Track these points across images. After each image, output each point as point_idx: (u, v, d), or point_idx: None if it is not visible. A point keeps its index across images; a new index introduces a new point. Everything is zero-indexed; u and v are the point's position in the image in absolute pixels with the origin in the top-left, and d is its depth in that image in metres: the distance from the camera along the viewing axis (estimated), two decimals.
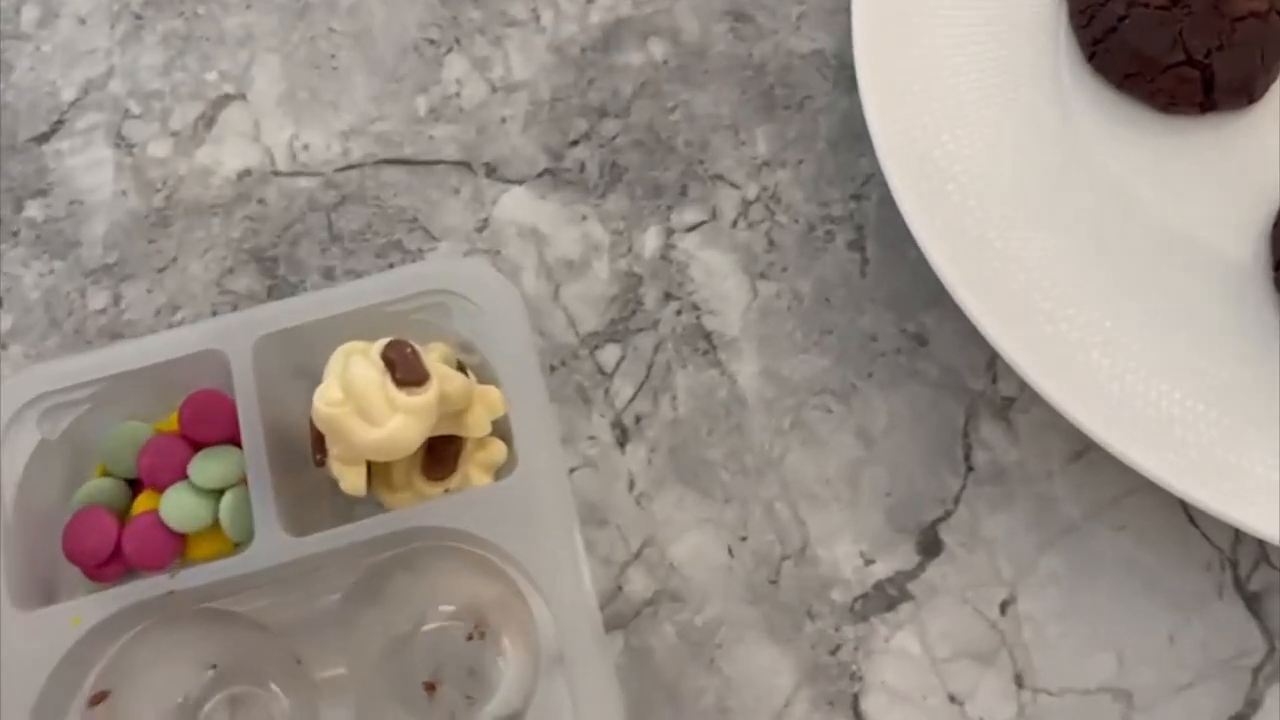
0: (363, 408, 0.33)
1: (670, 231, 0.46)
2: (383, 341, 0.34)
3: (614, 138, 0.47)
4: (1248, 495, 0.38)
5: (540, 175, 0.47)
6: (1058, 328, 0.40)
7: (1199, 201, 0.43)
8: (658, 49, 0.49)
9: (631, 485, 0.42)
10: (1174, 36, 0.43)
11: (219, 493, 0.37)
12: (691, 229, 0.46)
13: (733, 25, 0.49)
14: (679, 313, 0.44)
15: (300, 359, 0.37)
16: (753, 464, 0.42)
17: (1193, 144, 0.44)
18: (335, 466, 0.35)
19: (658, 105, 0.48)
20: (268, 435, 0.35)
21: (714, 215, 0.46)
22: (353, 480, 0.35)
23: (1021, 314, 0.40)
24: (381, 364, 0.34)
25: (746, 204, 0.46)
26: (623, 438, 0.42)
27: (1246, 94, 0.44)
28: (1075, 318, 0.41)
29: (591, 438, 0.42)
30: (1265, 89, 0.44)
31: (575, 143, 0.47)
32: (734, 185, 0.46)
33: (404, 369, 0.34)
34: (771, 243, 0.45)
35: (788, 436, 0.42)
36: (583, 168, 0.47)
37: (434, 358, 0.36)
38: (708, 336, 0.44)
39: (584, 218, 0.46)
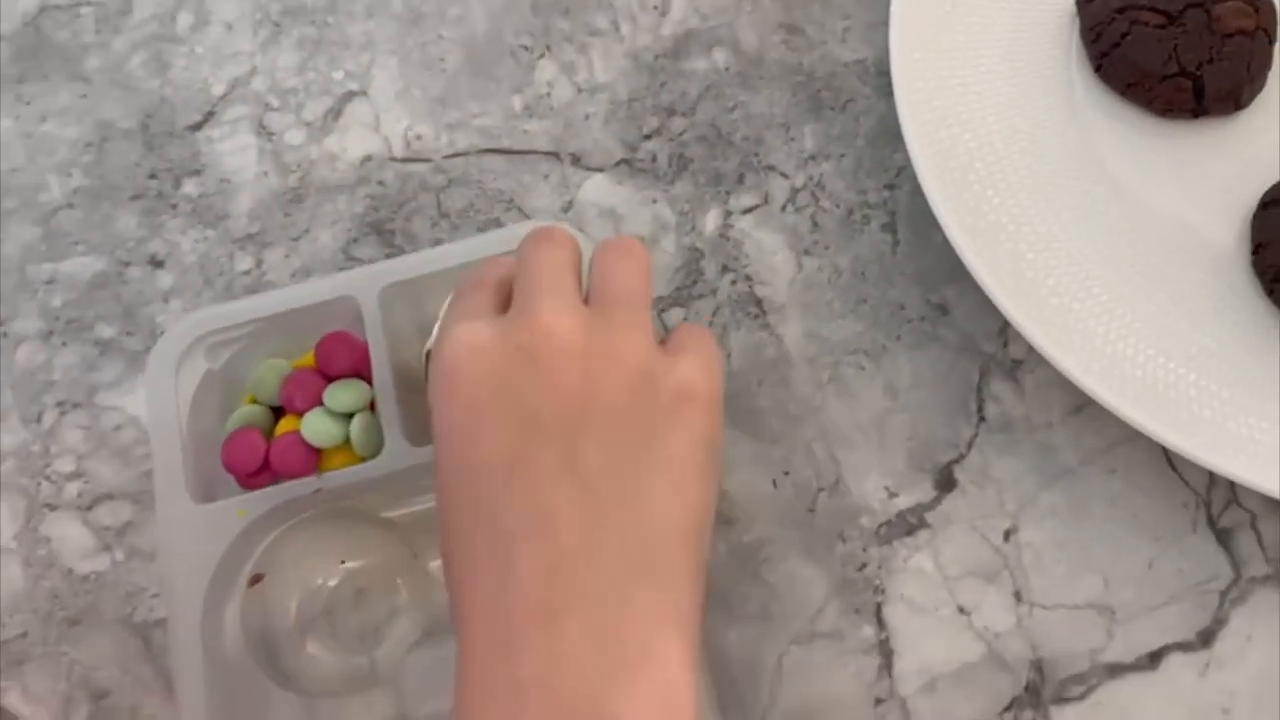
0: None
1: (728, 214, 0.52)
2: None
3: (681, 133, 0.54)
4: (1222, 445, 0.43)
5: (617, 164, 0.53)
6: (1061, 299, 0.46)
7: (1190, 194, 0.49)
8: (720, 57, 0.55)
9: None
10: (1169, 51, 0.48)
11: (349, 416, 0.44)
12: (747, 211, 0.52)
13: (786, 37, 0.55)
14: (734, 283, 0.51)
15: (416, 306, 0.44)
16: (795, 411, 0.48)
17: (1186, 144, 0.50)
18: None
19: (719, 105, 0.54)
20: (391, 368, 0.42)
21: (766, 200, 0.52)
22: None
23: (1029, 289, 0.46)
24: None
25: (795, 191, 0.52)
26: None
27: (1234, 101, 0.49)
28: (1077, 292, 0.46)
29: None
30: (1252, 97, 0.49)
31: (648, 137, 0.54)
32: (784, 175, 0.53)
33: None
34: (815, 224, 0.51)
35: (826, 389, 0.48)
36: (654, 158, 0.53)
37: None
38: (759, 303, 0.50)
39: (654, 201, 0.52)
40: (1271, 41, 0.49)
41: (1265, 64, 0.49)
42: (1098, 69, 0.50)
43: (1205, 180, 0.49)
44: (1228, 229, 0.48)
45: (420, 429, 0.42)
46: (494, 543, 0.32)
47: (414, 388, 0.43)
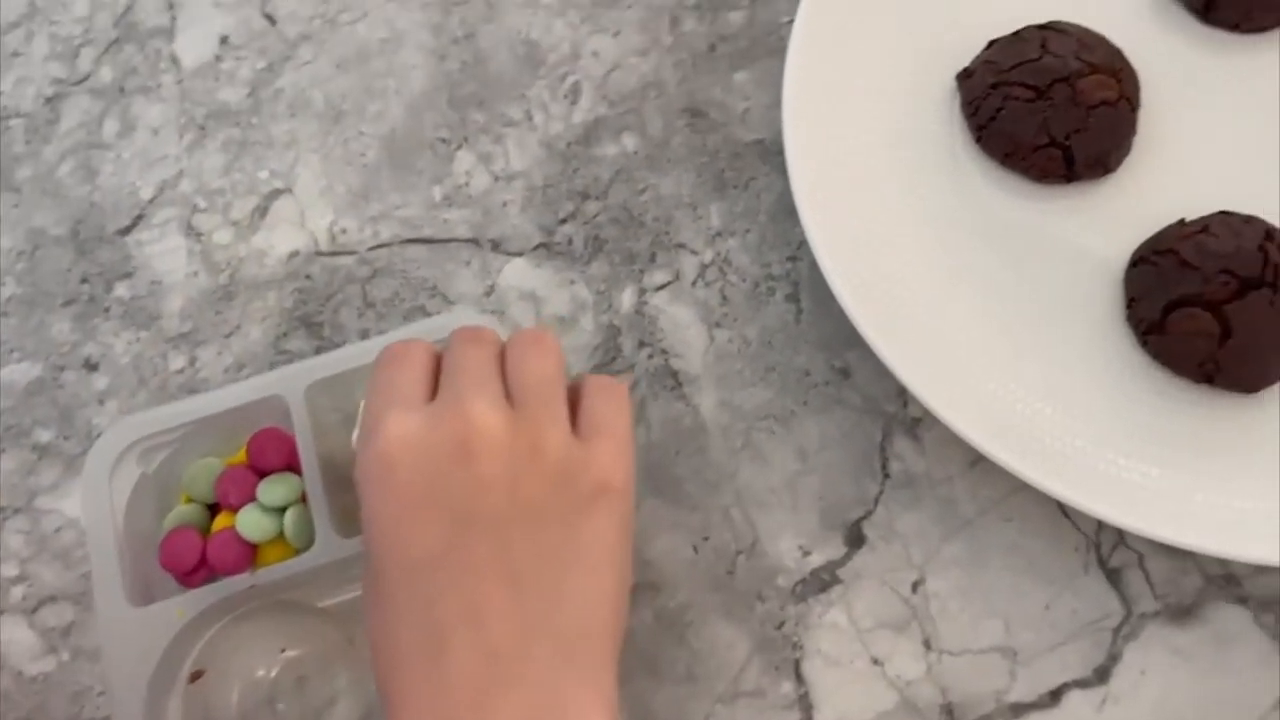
0: None
1: (643, 291, 0.54)
2: None
3: (595, 216, 0.56)
4: (1107, 494, 0.46)
5: (536, 248, 0.56)
6: (953, 360, 0.49)
7: (1069, 254, 0.52)
8: (629, 142, 0.58)
9: None
10: (1040, 123, 0.51)
11: (282, 510, 0.45)
12: (660, 288, 0.54)
13: (690, 121, 0.58)
14: (651, 357, 0.53)
15: (342, 400, 0.45)
16: (713, 478, 0.50)
17: (1063, 208, 0.53)
18: None
19: (630, 188, 0.57)
20: (319, 461, 0.44)
21: (677, 277, 0.55)
22: None
23: (921, 352, 0.49)
24: None
25: (704, 267, 0.55)
26: None
27: (1103, 167, 0.52)
28: (967, 352, 0.49)
29: None
30: (1119, 162, 0.53)
31: (564, 221, 0.56)
32: (693, 252, 0.55)
33: None
34: (724, 298, 0.54)
35: (740, 455, 0.51)
36: (570, 241, 0.56)
37: None
38: (675, 375, 0.52)
39: (572, 282, 0.55)
40: (1134, 109, 0.52)
41: (1130, 130, 0.52)
42: (978, 140, 0.53)
43: (1082, 240, 0.52)
44: (1104, 286, 0.51)
45: (350, 520, 0.44)
46: (427, 632, 0.33)
47: (342, 479, 0.45)
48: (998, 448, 0.46)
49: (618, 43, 0.60)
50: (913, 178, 0.53)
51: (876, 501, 0.49)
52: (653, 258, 0.55)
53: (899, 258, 0.51)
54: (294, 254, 0.56)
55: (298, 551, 0.44)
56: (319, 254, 0.56)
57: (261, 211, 0.57)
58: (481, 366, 0.38)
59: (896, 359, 0.48)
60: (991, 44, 0.54)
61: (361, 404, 0.42)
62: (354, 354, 0.46)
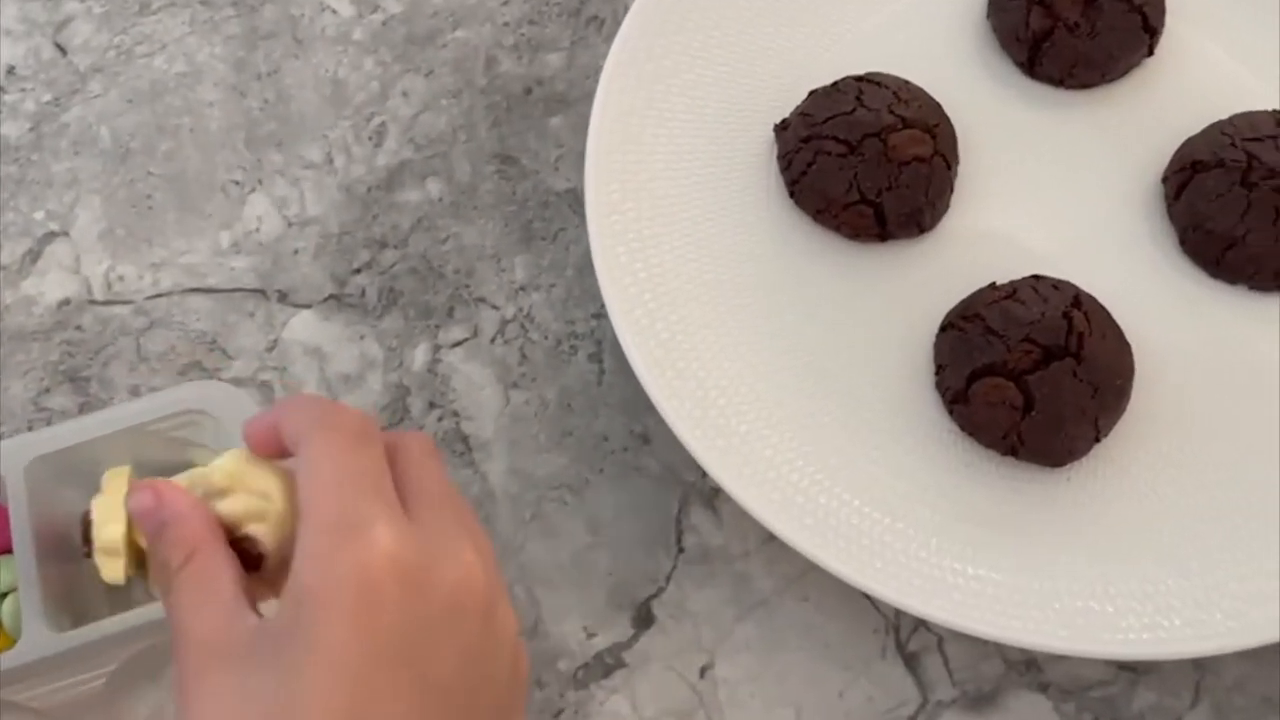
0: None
1: (437, 348, 0.50)
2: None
3: (392, 266, 0.52)
4: (904, 578, 0.43)
5: (325, 300, 0.51)
6: (749, 430, 0.45)
7: (881, 316, 0.49)
8: (434, 187, 0.54)
9: None
10: (850, 179, 0.48)
11: (2, 596, 0.40)
12: (456, 345, 0.50)
13: (500, 167, 0.54)
14: (440, 419, 0.49)
15: (74, 473, 0.41)
16: (498, 552, 0.46)
17: (876, 267, 0.50)
18: (97, 556, 0.38)
19: (432, 237, 0.53)
20: (43, 541, 0.39)
21: (476, 333, 0.51)
22: (111, 570, 0.38)
23: (716, 421, 0.45)
24: None
25: (504, 323, 0.51)
26: None
27: (917, 226, 0.49)
28: (764, 423, 0.46)
29: None
30: (934, 221, 0.50)
31: (358, 271, 0.52)
32: (494, 307, 0.51)
33: None
34: (524, 356, 0.50)
35: (528, 527, 0.47)
36: (363, 293, 0.51)
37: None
38: (465, 440, 0.48)
39: (362, 337, 0.50)
40: (950, 166, 0.49)
41: (945, 187, 0.50)
42: (791, 195, 0.50)
43: (894, 302, 0.49)
44: (915, 350, 0.48)
45: (78, 603, 0.39)
46: None
47: (66, 559, 0.40)
48: (789, 527, 0.43)
49: (429, 83, 0.56)
50: (723, 234, 0.50)
51: (669, 578, 0.46)
52: (450, 312, 0.51)
53: (701, 322, 0.48)
54: (64, 302, 0.51)
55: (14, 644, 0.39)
56: (92, 303, 0.51)
57: (33, 256, 0.52)
58: (452, 495, 0.32)
59: (687, 427, 0.44)
60: (811, 95, 0.51)
61: (112, 476, 0.37)
62: (88, 426, 0.41)
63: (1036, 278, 0.46)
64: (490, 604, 0.30)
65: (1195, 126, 0.50)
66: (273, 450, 0.32)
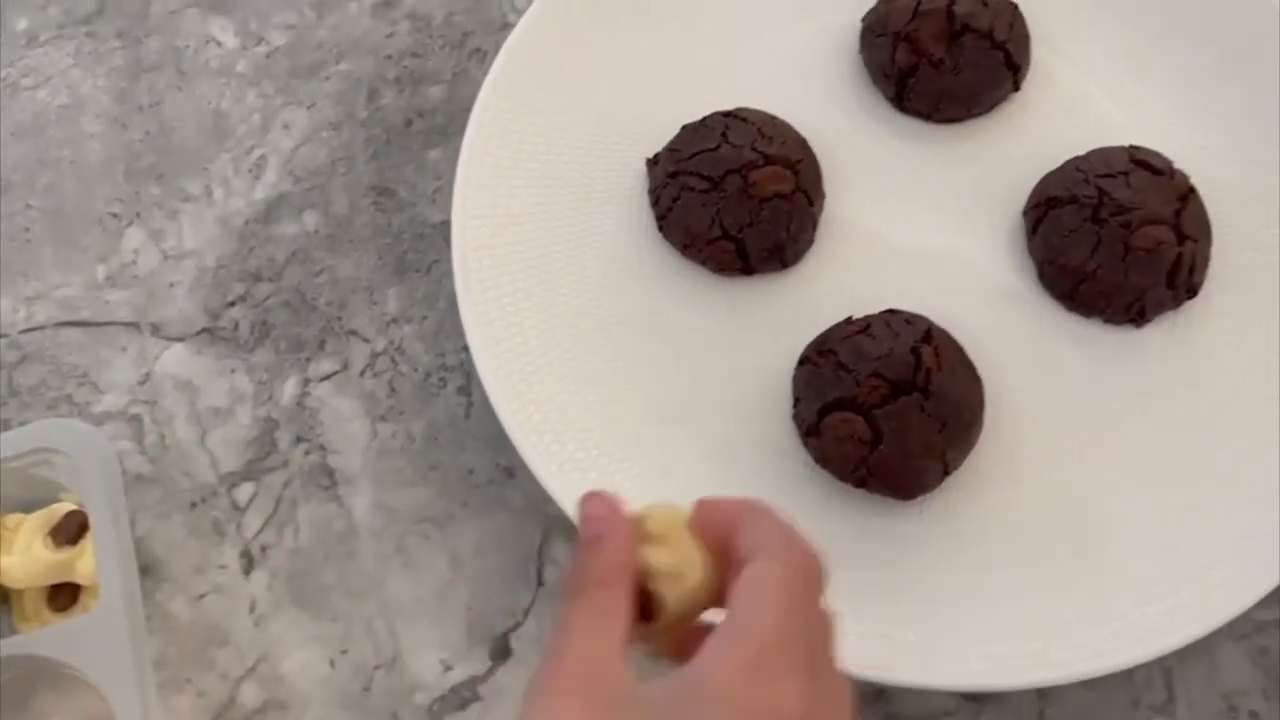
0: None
1: (307, 381, 0.50)
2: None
3: (266, 299, 0.52)
4: None
5: (199, 333, 0.51)
6: (609, 463, 0.45)
7: (745, 350, 0.49)
8: (311, 220, 0.54)
9: (253, 608, 0.46)
10: (713, 215, 0.48)
11: None
12: (325, 378, 0.50)
13: (376, 199, 0.54)
14: (307, 453, 0.49)
15: None
16: (359, 587, 0.46)
17: (741, 301, 0.50)
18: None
19: (306, 270, 0.53)
20: None
21: (346, 366, 0.51)
22: None
23: (576, 455, 0.45)
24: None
25: (374, 355, 0.51)
26: (249, 566, 0.47)
27: (779, 260, 0.49)
28: (623, 457, 0.46)
29: (222, 566, 0.47)
30: (797, 256, 0.50)
31: (232, 304, 0.52)
32: (365, 339, 0.51)
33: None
34: (393, 389, 0.50)
35: (391, 561, 0.47)
36: (236, 326, 0.51)
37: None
38: (330, 474, 0.48)
39: (233, 370, 0.50)
40: (812, 202, 0.50)
41: (807, 224, 0.50)
42: (660, 229, 0.50)
43: (759, 335, 0.49)
44: (777, 383, 0.48)
45: None
46: None
47: None
48: None
49: (311, 115, 0.56)
50: (593, 267, 0.50)
51: (527, 612, 0.46)
52: (322, 345, 0.51)
53: (566, 353, 0.48)
54: None
55: None
56: None
57: None
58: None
59: (544, 463, 0.45)
60: (683, 130, 0.51)
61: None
62: None
63: (891, 312, 0.47)
64: None
65: (1060, 160, 0.51)
66: (713, 540, 0.32)
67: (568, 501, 0.44)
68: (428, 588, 0.46)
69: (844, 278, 0.50)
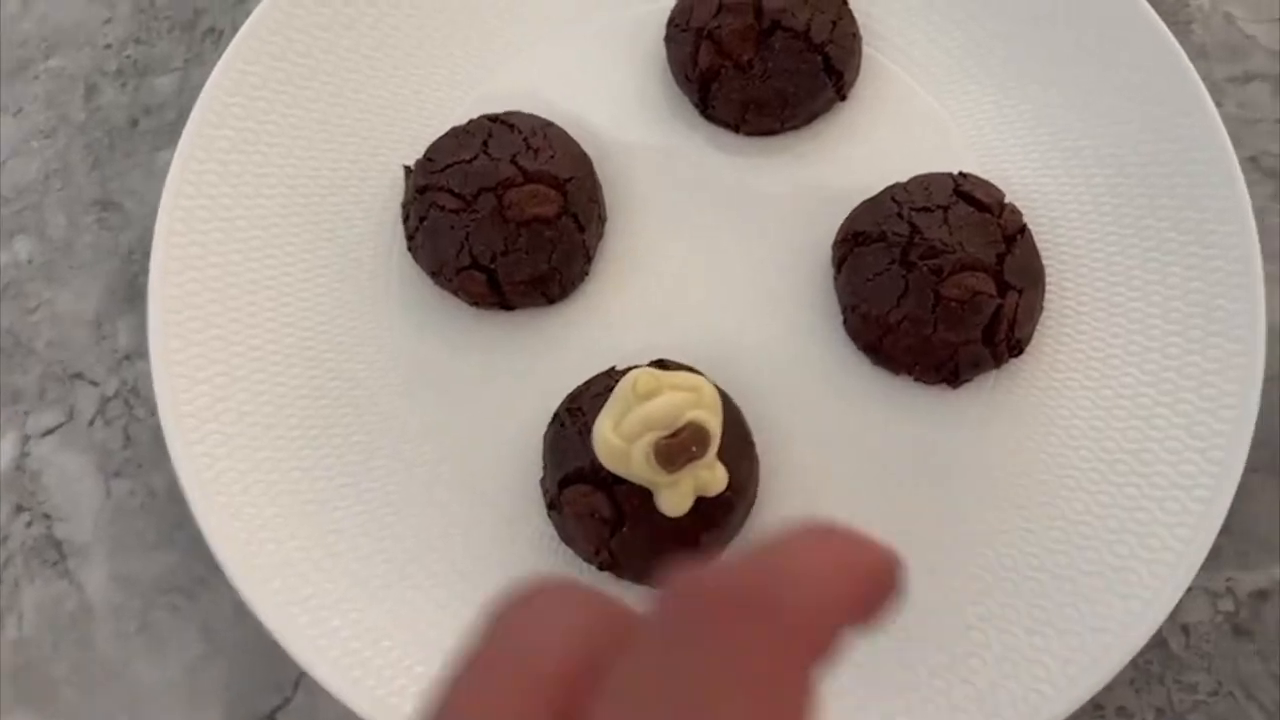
0: None
1: (27, 439, 0.43)
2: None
3: None
4: None
5: None
6: (324, 577, 0.39)
7: (500, 400, 0.41)
8: (23, 248, 0.46)
9: None
10: (462, 240, 0.41)
11: None
12: (48, 433, 0.43)
13: (100, 215, 0.46)
14: (29, 525, 0.42)
15: None
16: (98, 676, 0.41)
17: (499, 340, 0.42)
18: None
19: (20, 307, 0.45)
20: None
21: (71, 416, 0.44)
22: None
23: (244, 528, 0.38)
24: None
25: (105, 400, 0.44)
26: None
27: (542, 295, 0.42)
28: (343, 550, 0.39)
29: None
30: (566, 290, 0.42)
31: None
32: (93, 383, 0.44)
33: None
34: (129, 438, 0.43)
35: (133, 641, 0.41)
36: None
37: None
38: (58, 546, 0.42)
39: None
40: (583, 228, 0.42)
41: (576, 252, 0.42)
42: (410, 250, 0.43)
43: (519, 388, 0.41)
44: (534, 443, 0.40)
45: None
46: None
47: None
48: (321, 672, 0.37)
49: (18, 123, 0.47)
50: (322, 294, 0.42)
51: (297, 685, 0.41)
52: (42, 394, 0.44)
53: (274, 409, 0.40)
54: None
55: None
56: None
57: None
58: None
59: (214, 530, 0.37)
60: (450, 133, 0.44)
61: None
62: None
63: (660, 364, 0.39)
64: None
65: (884, 185, 0.42)
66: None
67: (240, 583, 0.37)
68: (178, 668, 0.41)
69: (622, 316, 0.42)
